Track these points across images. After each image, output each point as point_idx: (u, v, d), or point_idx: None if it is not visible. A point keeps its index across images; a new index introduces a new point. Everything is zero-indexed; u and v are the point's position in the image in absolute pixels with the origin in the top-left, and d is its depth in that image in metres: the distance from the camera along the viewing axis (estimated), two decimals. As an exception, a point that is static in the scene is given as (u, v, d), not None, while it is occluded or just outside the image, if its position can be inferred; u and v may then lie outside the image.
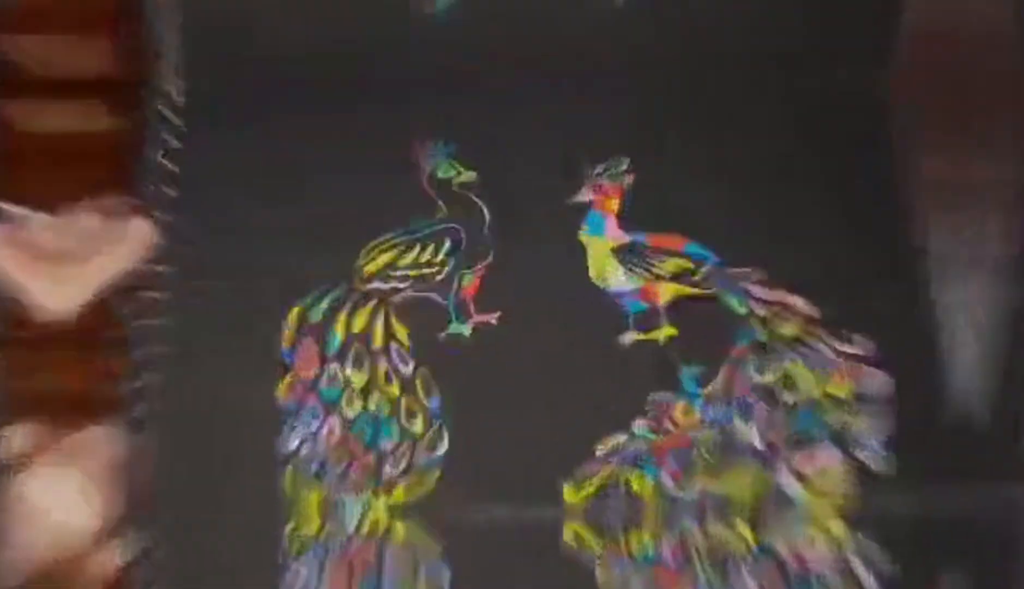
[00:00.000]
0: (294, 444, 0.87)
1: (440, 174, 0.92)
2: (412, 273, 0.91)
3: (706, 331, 0.88)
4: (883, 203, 0.91)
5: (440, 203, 0.92)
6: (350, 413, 0.87)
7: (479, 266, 0.90)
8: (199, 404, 0.88)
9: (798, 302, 0.88)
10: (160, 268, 0.91)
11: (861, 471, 0.85)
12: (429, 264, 0.90)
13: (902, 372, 0.87)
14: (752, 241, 0.90)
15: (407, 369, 0.88)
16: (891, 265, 0.89)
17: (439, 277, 0.90)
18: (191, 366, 0.89)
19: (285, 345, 0.89)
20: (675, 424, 0.86)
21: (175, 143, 0.93)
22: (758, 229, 0.90)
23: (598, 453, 0.85)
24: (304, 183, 0.93)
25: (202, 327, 0.90)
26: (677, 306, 0.89)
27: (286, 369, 0.89)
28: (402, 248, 0.91)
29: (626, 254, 0.90)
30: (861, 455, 0.86)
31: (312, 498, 0.86)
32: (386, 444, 0.87)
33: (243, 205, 0.92)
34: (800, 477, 0.85)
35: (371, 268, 0.91)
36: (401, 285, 0.90)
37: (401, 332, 0.89)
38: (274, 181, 0.93)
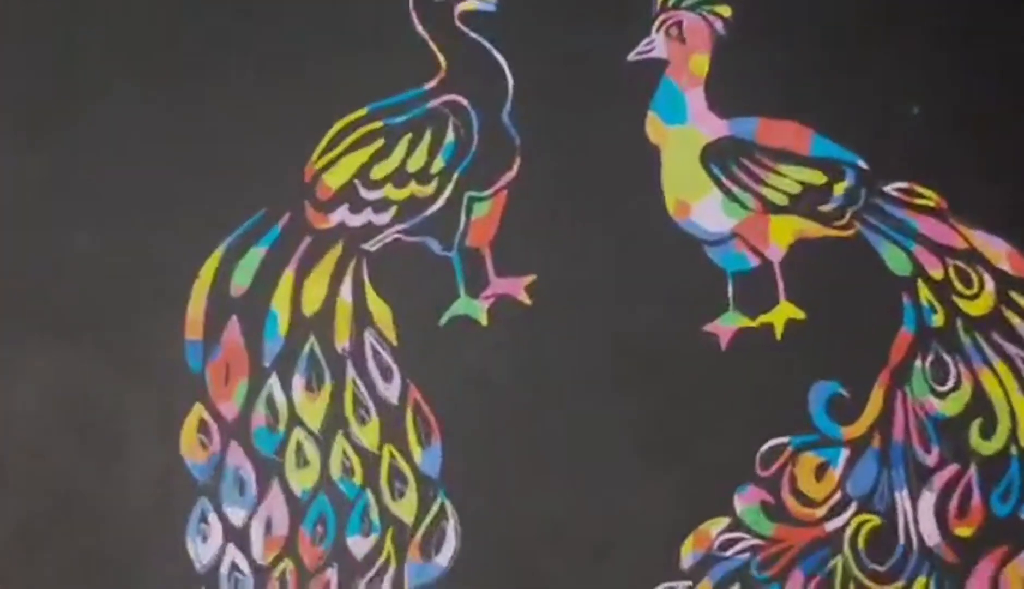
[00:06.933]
0: (208, 554, 0.50)
1: None
2: (396, 194, 0.53)
3: (846, 308, 0.53)
4: None
5: (436, 51, 0.53)
6: (299, 486, 0.50)
7: (499, 184, 0.53)
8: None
9: (1000, 248, 0.53)
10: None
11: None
12: (421, 175, 0.53)
13: None
14: (926, 138, 0.54)
15: (390, 390, 0.51)
16: None
17: (438, 201, 0.53)
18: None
19: (189, 334, 0.51)
20: (802, 497, 0.52)
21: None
22: (940, 118, 0.54)
23: (684, 562, 0.51)
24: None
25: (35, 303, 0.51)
26: (799, 258, 0.53)
27: (193, 388, 0.51)
28: (379, 142, 0.53)
29: (724, 158, 0.54)
30: None
31: None
32: (356, 544, 0.50)
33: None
34: None
35: (332, 179, 0.53)
36: (379, 218, 0.53)
37: (382, 313, 0.52)
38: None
